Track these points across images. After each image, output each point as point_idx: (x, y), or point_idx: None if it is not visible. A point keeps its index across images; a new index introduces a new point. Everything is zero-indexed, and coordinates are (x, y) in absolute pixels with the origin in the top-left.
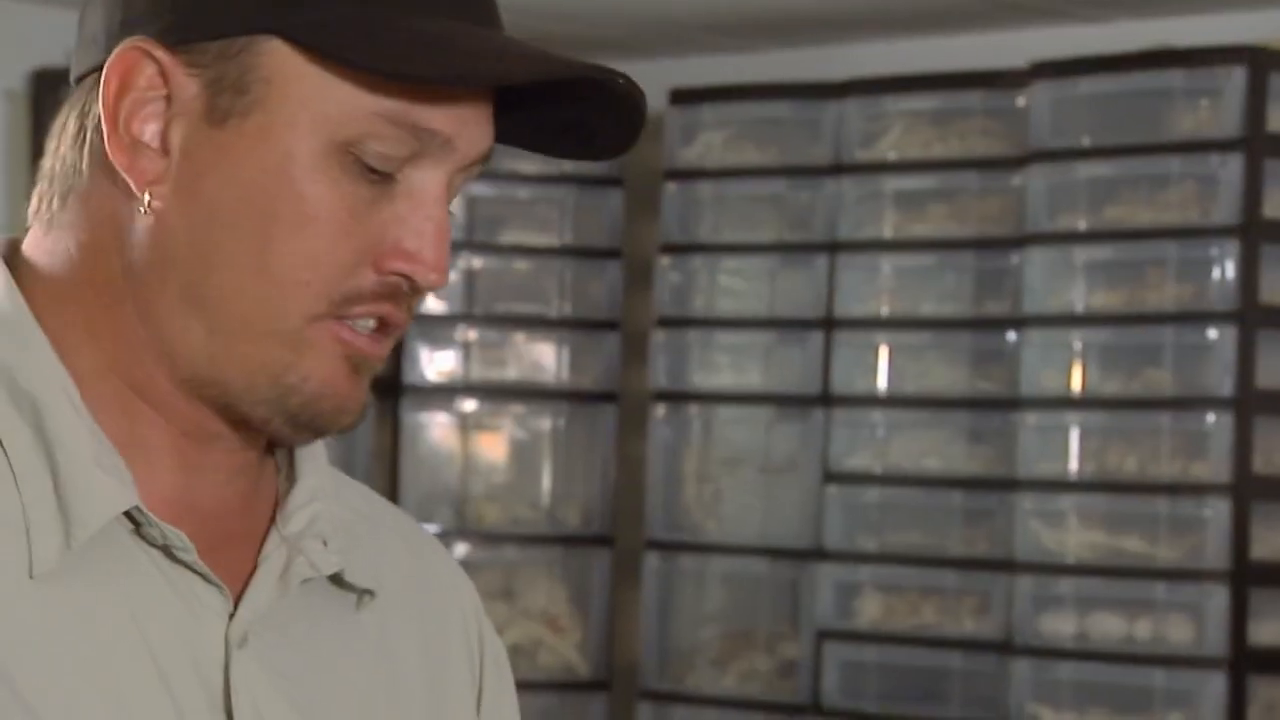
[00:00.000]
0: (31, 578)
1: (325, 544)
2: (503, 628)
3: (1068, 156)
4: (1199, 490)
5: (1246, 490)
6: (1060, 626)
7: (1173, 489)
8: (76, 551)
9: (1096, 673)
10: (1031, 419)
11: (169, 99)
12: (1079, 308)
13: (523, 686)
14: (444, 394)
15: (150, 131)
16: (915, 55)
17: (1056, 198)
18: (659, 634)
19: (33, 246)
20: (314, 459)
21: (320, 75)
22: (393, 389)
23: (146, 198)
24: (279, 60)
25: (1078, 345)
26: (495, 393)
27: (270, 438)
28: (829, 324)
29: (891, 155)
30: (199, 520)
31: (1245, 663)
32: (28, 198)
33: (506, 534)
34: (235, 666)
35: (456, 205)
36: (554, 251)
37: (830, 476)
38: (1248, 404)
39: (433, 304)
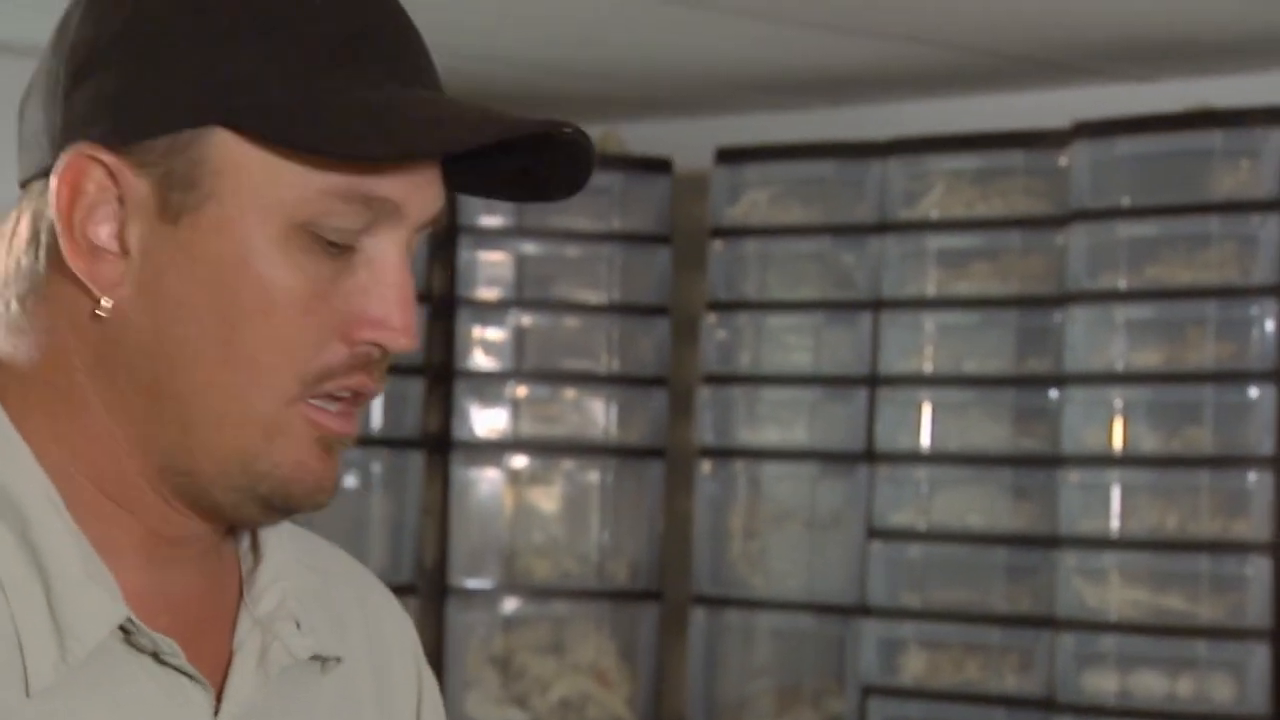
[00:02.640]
0: (28, 695)
1: (298, 624)
2: (552, 681)
3: (1108, 216)
4: (1240, 548)
5: None
6: (1103, 684)
7: (1213, 547)
8: (71, 666)
9: None
10: (1073, 476)
11: (121, 200)
12: (1120, 366)
13: None
14: (493, 450)
15: (106, 235)
16: (958, 115)
17: (1097, 257)
18: (706, 688)
19: None
20: (275, 526)
21: (269, 160)
22: (443, 445)
23: (106, 302)
24: (226, 150)
25: (1119, 403)
26: (544, 448)
27: (238, 522)
28: (873, 381)
29: (934, 214)
30: (173, 611)
31: None
32: None
33: (555, 589)
34: None
35: (508, 263)
36: (602, 309)
37: (874, 533)
38: None
39: (482, 361)
